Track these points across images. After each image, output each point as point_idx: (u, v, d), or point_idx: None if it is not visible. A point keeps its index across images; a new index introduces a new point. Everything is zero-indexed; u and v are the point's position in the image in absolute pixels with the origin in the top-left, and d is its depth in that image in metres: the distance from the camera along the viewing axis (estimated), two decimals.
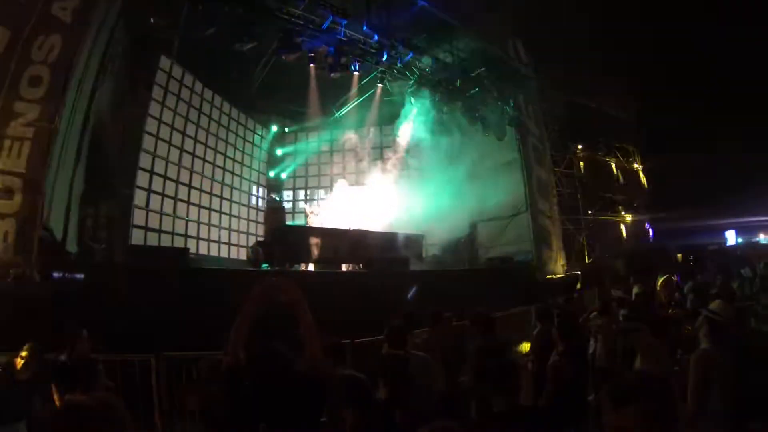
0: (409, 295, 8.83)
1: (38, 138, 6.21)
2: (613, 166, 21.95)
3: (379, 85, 14.02)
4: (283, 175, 18.20)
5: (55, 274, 6.49)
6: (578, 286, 13.89)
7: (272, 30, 11.00)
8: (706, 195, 21.74)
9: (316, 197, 15.91)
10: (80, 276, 6.74)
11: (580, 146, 19.93)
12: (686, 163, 21.79)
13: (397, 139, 17.38)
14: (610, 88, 21.60)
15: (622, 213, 21.39)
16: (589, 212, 19.29)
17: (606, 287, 10.21)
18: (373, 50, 12.39)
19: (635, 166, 23.38)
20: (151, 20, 9.98)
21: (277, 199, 17.73)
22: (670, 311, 6.50)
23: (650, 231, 23.54)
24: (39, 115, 6.24)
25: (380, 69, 12.97)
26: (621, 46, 20.44)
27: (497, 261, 14.57)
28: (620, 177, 22.14)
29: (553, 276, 14.80)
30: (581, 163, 19.93)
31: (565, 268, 15.90)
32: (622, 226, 21.53)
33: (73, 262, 7.44)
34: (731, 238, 25.03)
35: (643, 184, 23.47)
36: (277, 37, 11.05)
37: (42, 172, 6.24)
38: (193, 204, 13.30)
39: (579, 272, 15.63)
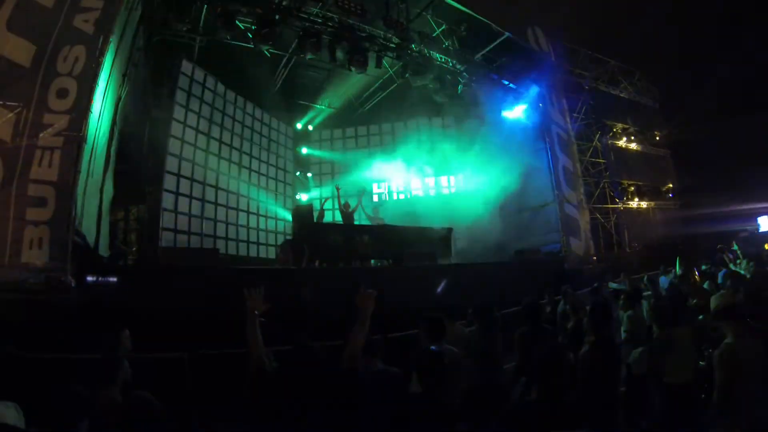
0: (438, 290, 8.77)
1: (68, 147, 6.35)
2: (640, 153, 21.49)
3: (401, 79, 13.95)
4: (309, 174, 18.28)
5: (89, 278, 6.62)
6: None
7: (292, 29, 11.06)
8: (737, 178, 20.90)
9: (342, 194, 15.92)
10: (113, 279, 6.88)
11: (605, 135, 19.55)
12: (715, 145, 21.14)
13: (421, 133, 17.33)
14: (634, 74, 21.25)
15: (650, 200, 20.92)
16: (617, 201, 18.97)
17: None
18: (393, 45, 12.37)
19: (662, 152, 22.87)
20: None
21: (304, 196, 17.79)
22: (694, 302, 6.34)
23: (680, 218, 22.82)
24: (68, 125, 6.39)
25: (401, 63, 12.96)
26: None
27: (526, 253, 14.38)
28: (647, 164, 21.67)
29: (583, 266, 14.57)
30: (607, 152, 19.57)
31: (594, 258, 15.66)
32: (652, 214, 21.08)
33: (106, 266, 7.61)
34: (764, 223, 23.83)
35: (671, 170, 22.94)
36: (297, 35, 11.11)
37: (73, 179, 6.36)
38: (221, 205, 13.47)
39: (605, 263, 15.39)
